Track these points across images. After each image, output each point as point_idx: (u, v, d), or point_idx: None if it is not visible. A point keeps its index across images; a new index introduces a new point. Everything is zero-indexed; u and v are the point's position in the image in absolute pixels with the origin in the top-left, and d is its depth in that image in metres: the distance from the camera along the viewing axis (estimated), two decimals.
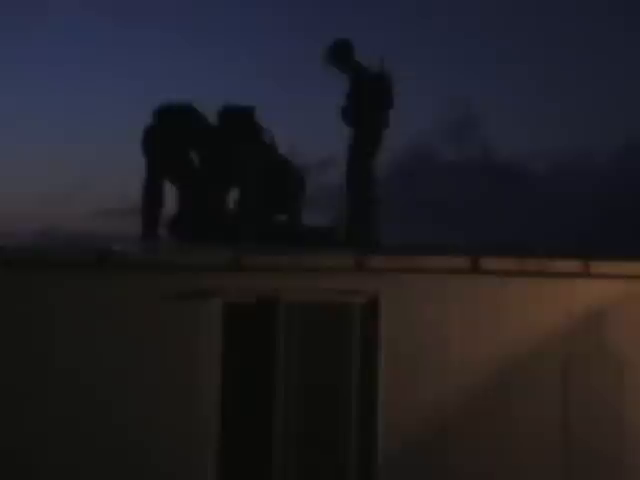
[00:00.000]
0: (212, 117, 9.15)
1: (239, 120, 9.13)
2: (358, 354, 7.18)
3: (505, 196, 14.87)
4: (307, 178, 9.55)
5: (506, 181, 15.50)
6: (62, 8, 18.02)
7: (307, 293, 7.08)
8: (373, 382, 7.18)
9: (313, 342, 7.11)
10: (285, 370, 7.04)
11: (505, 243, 9.08)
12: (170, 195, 9.03)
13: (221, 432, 6.93)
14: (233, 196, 9.14)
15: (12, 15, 17.64)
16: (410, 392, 7.26)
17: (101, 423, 6.70)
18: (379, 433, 7.15)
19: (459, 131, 16.96)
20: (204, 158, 9.14)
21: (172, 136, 8.93)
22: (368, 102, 8.85)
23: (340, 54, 8.98)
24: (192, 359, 6.87)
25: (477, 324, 7.43)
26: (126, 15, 18.09)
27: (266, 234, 8.69)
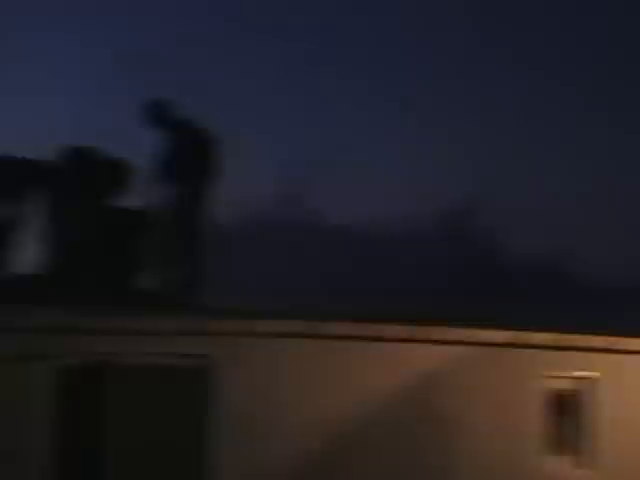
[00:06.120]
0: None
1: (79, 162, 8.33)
2: (191, 418, 7.09)
3: (339, 260, 15.05)
4: None
5: (340, 245, 15.69)
6: None
7: (138, 357, 6.95)
8: (206, 446, 7.09)
9: (144, 406, 6.95)
10: (114, 434, 6.85)
11: (342, 307, 9.25)
12: None
13: None
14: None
15: None
16: (245, 455, 7.21)
17: None
18: None
19: (289, 195, 16.95)
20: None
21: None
22: (190, 164, 8.53)
23: (157, 113, 8.60)
24: (23, 422, 6.56)
25: (312, 387, 7.52)
26: None
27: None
